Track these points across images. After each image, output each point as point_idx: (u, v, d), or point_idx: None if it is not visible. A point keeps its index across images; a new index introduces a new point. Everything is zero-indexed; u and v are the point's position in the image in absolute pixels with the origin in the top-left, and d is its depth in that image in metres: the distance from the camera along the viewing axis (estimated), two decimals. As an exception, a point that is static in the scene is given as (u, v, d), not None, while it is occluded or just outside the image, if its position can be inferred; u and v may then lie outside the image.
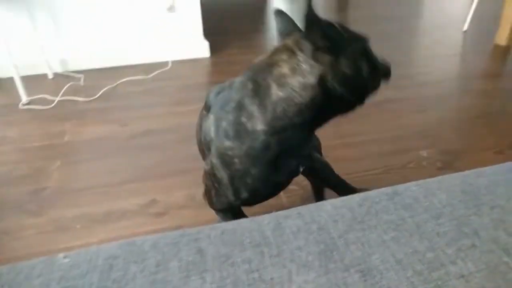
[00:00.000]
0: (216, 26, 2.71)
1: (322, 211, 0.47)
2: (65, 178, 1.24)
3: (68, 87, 1.80)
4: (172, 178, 1.21)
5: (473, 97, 1.68)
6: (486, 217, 0.45)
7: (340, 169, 1.22)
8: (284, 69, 0.59)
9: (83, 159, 1.35)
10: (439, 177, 0.54)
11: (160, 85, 1.85)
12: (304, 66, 0.58)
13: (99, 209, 1.10)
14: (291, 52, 0.59)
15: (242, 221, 0.47)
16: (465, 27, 2.53)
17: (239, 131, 0.62)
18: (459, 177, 0.53)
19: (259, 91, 0.61)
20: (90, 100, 1.71)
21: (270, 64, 0.61)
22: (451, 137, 1.40)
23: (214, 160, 0.67)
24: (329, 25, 0.58)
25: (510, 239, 0.41)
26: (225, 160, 0.65)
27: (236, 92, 0.65)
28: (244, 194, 0.69)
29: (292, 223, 0.45)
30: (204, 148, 0.77)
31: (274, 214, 0.48)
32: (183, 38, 2.13)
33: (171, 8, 2.04)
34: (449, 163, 1.25)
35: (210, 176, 0.71)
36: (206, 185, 0.77)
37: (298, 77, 0.58)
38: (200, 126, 0.79)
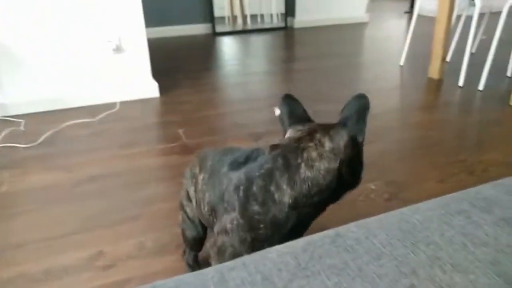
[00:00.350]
0: (165, 66, 2.73)
1: (267, 260, 0.47)
2: (1, 234, 1.14)
3: (7, 133, 1.70)
4: (120, 227, 1.16)
5: (413, 129, 1.78)
6: (422, 255, 0.46)
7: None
8: (313, 154, 0.68)
9: (22, 211, 1.26)
10: (379, 216, 0.55)
11: (107, 127, 1.80)
12: (330, 155, 0.68)
13: (39, 267, 1.02)
14: (318, 141, 0.69)
15: (185, 276, 0.46)
16: (402, 62, 2.72)
17: (267, 199, 0.68)
18: (397, 215, 0.55)
19: (289, 168, 0.68)
20: (32, 146, 1.63)
21: (300, 148, 0.68)
22: (396, 168, 1.46)
23: (241, 220, 0.70)
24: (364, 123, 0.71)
25: (446, 277, 0.43)
26: (252, 223, 0.69)
27: (266, 162, 0.70)
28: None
29: (236, 275, 0.44)
30: (210, 207, 0.78)
31: (218, 266, 0.47)
32: (131, 79, 2.11)
33: (117, 49, 2.02)
34: (395, 194, 1.30)
35: (233, 234, 0.71)
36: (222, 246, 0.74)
37: (324, 162, 0.68)
38: (205, 185, 0.80)
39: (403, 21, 4.42)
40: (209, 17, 3.73)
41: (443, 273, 0.43)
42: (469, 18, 2.94)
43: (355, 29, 4.01)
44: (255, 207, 0.68)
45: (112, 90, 2.07)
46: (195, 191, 0.84)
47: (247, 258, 0.47)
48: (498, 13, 2.11)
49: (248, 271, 0.45)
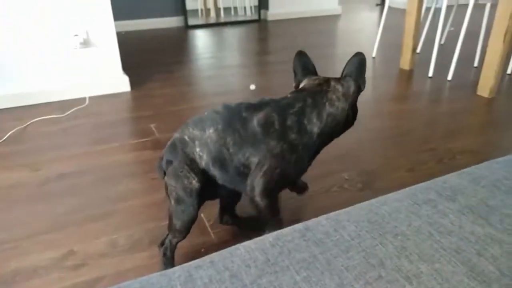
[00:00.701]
0: (137, 60, 2.66)
1: (235, 257, 0.46)
2: (-36, 237, 1.10)
3: (-32, 131, 1.63)
4: (91, 225, 1.13)
5: (385, 119, 1.81)
6: (390, 246, 0.47)
7: (267, 199, 1.23)
8: (333, 96, 0.90)
9: (-14, 212, 1.21)
10: (349, 208, 0.55)
11: (77, 123, 1.75)
12: (342, 98, 0.91)
13: (6, 269, 0.98)
14: (334, 87, 0.91)
15: (151, 277, 0.44)
16: (374, 53, 2.76)
17: (300, 130, 0.87)
18: (366, 207, 0.55)
19: (317, 105, 0.89)
20: (-4, 145, 1.56)
21: (323, 91, 0.91)
22: (368, 158, 1.48)
23: (284, 145, 0.86)
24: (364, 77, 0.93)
25: (412, 266, 0.43)
26: (293, 146, 0.87)
27: (297, 101, 0.89)
28: (301, 171, 0.95)
29: (204, 274, 0.43)
30: (237, 147, 0.88)
31: (185, 265, 0.46)
32: (101, 73, 2.05)
33: (85, 43, 1.96)
34: (368, 184, 1.32)
35: (279, 157, 0.87)
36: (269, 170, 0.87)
37: (341, 102, 0.91)
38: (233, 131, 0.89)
39: (375, 13, 4.47)
40: (182, 10, 3.66)
41: (410, 263, 0.44)
42: (438, 10, 3.00)
43: (328, 21, 4.03)
44: (293, 136, 0.87)
45: (81, 85, 2.01)
46: (204, 148, 0.88)
47: (215, 256, 0.47)
48: (465, 6, 2.16)
49: (216, 269, 0.44)
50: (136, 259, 1.01)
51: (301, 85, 0.97)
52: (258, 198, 0.88)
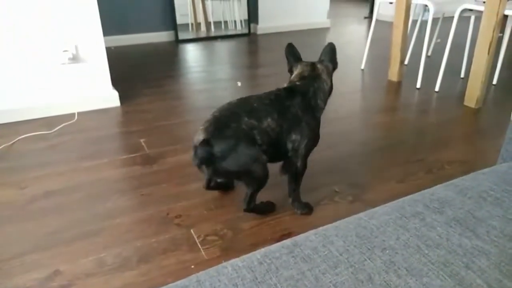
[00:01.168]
0: (127, 75, 2.66)
1: (222, 275, 0.45)
2: None
3: (-46, 149, 1.60)
4: (78, 243, 1.10)
5: (374, 130, 1.82)
6: (378, 260, 0.46)
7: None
8: (324, 77, 1.22)
9: (-30, 232, 1.18)
10: (337, 223, 0.55)
11: (65, 139, 1.73)
12: (328, 77, 1.24)
13: (-11, 291, 0.96)
14: (321, 70, 1.23)
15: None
16: (362, 65, 2.79)
17: (317, 107, 1.21)
18: (355, 221, 0.55)
19: (320, 87, 1.21)
20: (-18, 163, 1.53)
21: (317, 75, 1.22)
22: (358, 170, 1.48)
23: (314, 122, 1.20)
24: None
25: (400, 281, 0.43)
26: (317, 121, 1.22)
27: (310, 86, 1.20)
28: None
29: (190, 294, 0.43)
30: (288, 128, 1.15)
31: (172, 285, 0.45)
32: (90, 89, 2.04)
33: (74, 58, 1.95)
34: (359, 196, 1.32)
35: (315, 127, 1.21)
36: None
37: (328, 80, 1.24)
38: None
39: (363, 26, 4.54)
40: (172, 24, 3.68)
41: (398, 278, 0.43)
42: (424, 23, 3.06)
43: (317, 34, 4.08)
44: (316, 113, 1.20)
45: (69, 101, 2.00)
46: (264, 136, 1.09)
47: (202, 275, 0.46)
48: (451, 18, 2.21)
49: (202, 288, 0.43)
50: (125, 278, 0.99)
51: (295, 69, 1.26)
52: (301, 163, 1.19)
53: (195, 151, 1.05)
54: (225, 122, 1.07)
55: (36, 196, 1.33)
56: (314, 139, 1.21)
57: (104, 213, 1.24)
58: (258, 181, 1.13)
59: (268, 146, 1.10)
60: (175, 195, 1.33)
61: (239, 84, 2.40)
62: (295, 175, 1.21)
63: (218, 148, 1.03)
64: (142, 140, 1.71)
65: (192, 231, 1.15)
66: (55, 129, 1.82)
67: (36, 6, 1.80)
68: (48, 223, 1.19)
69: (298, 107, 1.15)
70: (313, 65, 1.23)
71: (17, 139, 1.72)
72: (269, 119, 1.10)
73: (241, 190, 1.34)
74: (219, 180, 1.31)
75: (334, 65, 1.26)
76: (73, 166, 1.51)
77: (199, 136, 1.08)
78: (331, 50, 1.26)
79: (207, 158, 1.03)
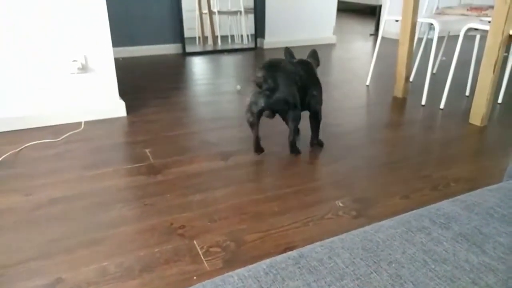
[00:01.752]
0: (134, 85, 2.69)
1: (228, 284, 0.45)
2: (-50, 263, 1.07)
3: (-39, 155, 1.61)
4: (81, 251, 1.10)
5: (379, 146, 1.82)
6: (384, 274, 0.46)
7: (263, 226, 1.22)
8: (313, 65, 1.76)
9: (-26, 237, 1.18)
10: (343, 235, 0.55)
11: (71, 148, 1.74)
12: (315, 66, 1.79)
13: (-9, 297, 0.95)
14: (312, 62, 1.77)
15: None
16: (368, 81, 2.80)
17: (315, 74, 1.74)
18: (361, 234, 0.54)
19: (313, 69, 1.75)
20: (-12, 169, 1.55)
21: (310, 63, 1.76)
22: (363, 185, 1.48)
23: (320, 83, 1.75)
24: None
25: (407, 295, 0.43)
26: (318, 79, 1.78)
27: (309, 61, 1.77)
28: None
29: (195, 302, 0.42)
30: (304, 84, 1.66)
31: (176, 293, 0.45)
32: (97, 98, 2.06)
33: (83, 68, 1.98)
34: (363, 211, 1.31)
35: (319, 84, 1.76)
36: None
37: (315, 68, 1.76)
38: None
39: (369, 43, 4.58)
40: (179, 37, 3.73)
41: (405, 292, 0.43)
42: (429, 41, 3.08)
43: (323, 50, 4.11)
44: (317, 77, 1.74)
45: (77, 110, 2.02)
46: (299, 79, 1.62)
47: (207, 283, 0.46)
48: (456, 37, 2.22)
49: (207, 297, 0.43)
50: (127, 287, 0.98)
51: None
52: (320, 110, 1.73)
53: (262, 88, 1.52)
54: (276, 65, 1.56)
55: (40, 203, 1.33)
56: (322, 96, 1.76)
57: (107, 221, 1.24)
58: (297, 116, 1.60)
59: (299, 89, 1.59)
60: (179, 205, 1.33)
61: (238, 87, 2.62)
62: (319, 122, 1.74)
63: (273, 82, 1.51)
64: (147, 150, 1.72)
65: (195, 242, 1.15)
66: (62, 137, 1.84)
67: (48, 17, 1.83)
68: (52, 231, 1.19)
69: (313, 69, 1.74)
70: (304, 60, 1.76)
71: (24, 146, 1.74)
72: (300, 69, 1.64)
73: (242, 206, 1.35)
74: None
75: (318, 63, 1.82)
76: (78, 174, 1.52)
77: (259, 74, 1.51)
78: (314, 53, 1.83)
79: (268, 89, 1.50)
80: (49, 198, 1.36)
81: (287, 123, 1.63)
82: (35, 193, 1.39)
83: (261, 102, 1.51)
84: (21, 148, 1.72)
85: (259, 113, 1.55)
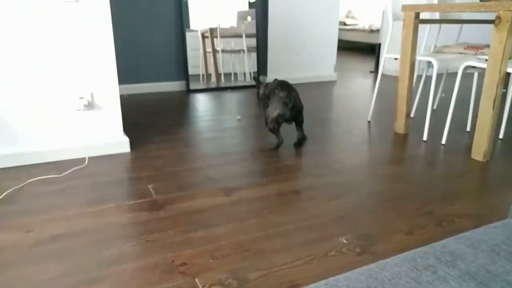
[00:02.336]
0: (138, 121, 2.73)
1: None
2: None
3: (-36, 191, 1.62)
4: (80, 290, 1.08)
5: (382, 182, 1.82)
6: (391, 314, 0.45)
7: (265, 263, 1.20)
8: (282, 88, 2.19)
9: (-27, 275, 1.16)
10: (348, 273, 0.54)
11: (74, 183, 1.75)
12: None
13: (-14, 338, 0.93)
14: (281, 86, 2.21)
15: None
16: (369, 117, 2.84)
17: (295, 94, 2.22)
18: (365, 272, 0.54)
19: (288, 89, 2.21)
20: (-10, 205, 1.54)
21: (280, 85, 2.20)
22: (366, 221, 1.46)
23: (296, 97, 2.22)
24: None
25: (414, 336, 0.42)
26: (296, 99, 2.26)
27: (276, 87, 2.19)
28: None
29: None
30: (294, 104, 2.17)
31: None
32: (102, 135, 2.09)
33: (89, 105, 2.02)
34: (367, 248, 1.29)
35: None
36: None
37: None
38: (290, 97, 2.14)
39: (369, 80, 4.67)
40: (184, 75, 3.82)
41: (412, 333, 0.42)
42: (429, 78, 3.14)
43: (324, 87, 4.19)
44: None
45: (81, 146, 2.04)
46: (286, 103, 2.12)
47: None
48: (455, 74, 2.27)
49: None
50: (126, 328, 0.95)
51: (262, 88, 2.39)
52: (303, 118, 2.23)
53: (285, 105, 2.12)
54: (288, 85, 2.18)
55: (41, 240, 1.32)
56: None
57: (108, 259, 1.23)
58: (303, 119, 2.22)
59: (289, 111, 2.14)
60: (181, 242, 1.31)
61: (239, 118, 2.83)
62: (302, 124, 2.25)
63: (293, 98, 2.13)
64: (150, 186, 1.72)
65: (196, 280, 1.12)
66: (65, 173, 1.85)
67: (57, 55, 1.90)
68: (52, 268, 1.18)
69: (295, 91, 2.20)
70: (284, 80, 2.26)
71: (27, 182, 1.74)
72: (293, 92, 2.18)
73: (245, 242, 1.34)
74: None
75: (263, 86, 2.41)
76: (80, 210, 1.52)
77: (281, 94, 2.13)
78: (257, 81, 2.51)
79: (291, 104, 2.11)
80: (50, 234, 1.35)
81: (297, 125, 2.23)
82: (36, 229, 1.38)
83: (287, 114, 2.11)
84: (24, 184, 1.73)
85: (283, 122, 2.16)
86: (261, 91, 2.39)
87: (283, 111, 2.09)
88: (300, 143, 2.26)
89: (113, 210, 1.53)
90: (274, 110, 2.11)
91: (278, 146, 2.22)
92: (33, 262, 1.21)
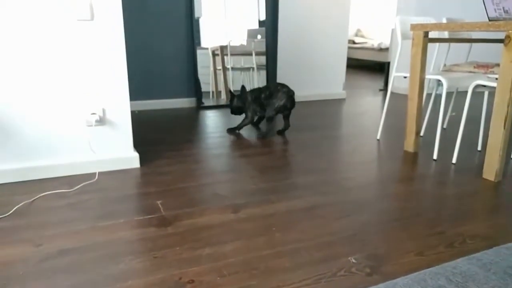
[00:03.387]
0: (148, 137, 2.76)
1: None
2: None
3: (-23, 204, 1.64)
4: (87, 306, 1.08)
5: (391, 201, 1.80)
6: (400, 336, 0.44)
7: (273, 282, 1.19)
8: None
9: (-18, 288, 1.17)
10: (356, 293, 0.54)
11: (84, 198, 1.76)
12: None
13: None
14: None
15: None
16: (378, 136, 2.83)
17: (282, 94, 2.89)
18: (374, 292, 0.53)
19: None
20: (1, 218, 1.56)
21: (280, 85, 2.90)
22: (376, 241, 1.45)
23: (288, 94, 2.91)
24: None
25: None
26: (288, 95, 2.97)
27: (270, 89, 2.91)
28: None
29: None
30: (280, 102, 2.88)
31: None
32: (112, 150, 2.11)
33: (100, 121, 2.05)
34: (376, 268, 1.27)
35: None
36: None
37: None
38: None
39: (378, 98, 4.67)
40: (194, 91, 3.87)
41: None
42: (438, 97, 3.13)
43: (334, 104, 4.20)
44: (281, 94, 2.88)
45: (92, 161, 2.06)
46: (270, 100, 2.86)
47: None
48: (465, 93, 2.27)
49: None
50: None
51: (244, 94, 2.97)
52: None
53: (290, 97, 2.83)
54: (285, 85, 2.87)
55: (50, 254, 1.33)
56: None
57: (116, 274, 1.22)
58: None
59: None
60: (189, 259, 1.31)
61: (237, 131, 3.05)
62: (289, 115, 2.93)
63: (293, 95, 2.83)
64: (159, 202, 1.73)
65: (204, 298, 1.11)
66: (76, 187, 1.86)
67: (70, 71, 1.94)
68: (58, 283, 1.18)
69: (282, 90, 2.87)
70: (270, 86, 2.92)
71: (38, 196, 1.76)
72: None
73: (252, 260, 1.33)
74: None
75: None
76: (89, 225, 1.52)
77: (285, 88, 2.84)
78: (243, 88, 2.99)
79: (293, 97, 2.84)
80: (59, 249, 1.36)
81: (286, 117, 2.92)
82: (46, 244, 1.39)
83: (288, 105, 2.84)
84: (35, 198, 1.75)
85: (282, 112, 2.87)
86: (237, 101, 2.97)
87: (287, 102, 2.80)
88: (284, 130, 2.93)
89: (122, 225, 1.53)
90: (280, 101, 2.79)
91: (266, 133, 2.91)
92: (41, 277, 1.21)
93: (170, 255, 1.33)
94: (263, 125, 3.15)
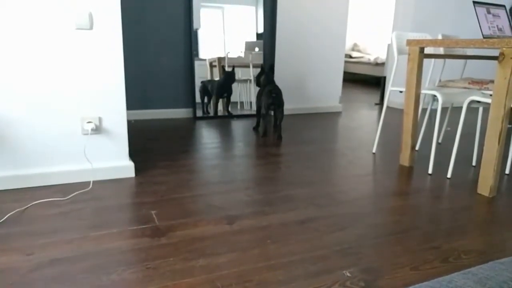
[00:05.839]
0: (144, 147, 2.75)
1: None
2: None
3: (-32, 211, 1.62)
4: (78, 317, 1.06)
5: (386, 215, 1.80)
6: None
7: (265, 295, 1.17)
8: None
9: (-30, 298, 1.15)
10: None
11: (78, 207, 1.74)
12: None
13: None
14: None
15: None
16: (374, 149, 2.84)
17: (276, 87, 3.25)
18: (369, 306, 0.52)
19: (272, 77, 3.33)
20: (-8, 226, 1.54)
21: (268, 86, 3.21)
22: (370, 254, 1.44)
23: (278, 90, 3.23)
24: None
25: None
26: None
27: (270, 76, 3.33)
28: None
29: None
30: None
31: None
32: (107, 159, 2.10)
33: (96, 129, 2.04)
34: (371, 282, 1.26)
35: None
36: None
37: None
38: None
39: (374, 111, 4.70)
40: (191, 102, 3.88)
41: None
42: (434, 111, 3.16)
43: (329, 118, 4.22)
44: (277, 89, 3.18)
45: (86, 169, 2.05)
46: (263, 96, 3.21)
47: None
48: (460, 108, 2.29)
49: None
50: None
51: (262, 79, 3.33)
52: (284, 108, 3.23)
53: (272, 96, 3.09)
54: (275, 87, 3.17)
55: (41, 263, 1.31)
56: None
57: (107, 285, 1.21)
58: (283, 116, 3.19)
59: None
60: (181, 270, 1.29)
61: (239, 145, 3.12)
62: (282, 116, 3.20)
63: (276, 93, 3.11)
64: (153, 212, 1.71)
65: (196, 310, 1.10)
66: (69, 196, 1.85)
67: (67, 79, 1.94)
68: (50, 293, 1.16)
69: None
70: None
71: (30, 204, 1.74)
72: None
73: (246, 273, 1.32)
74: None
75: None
76: (82, 235, 1.51)
77: (270, 88, 3.13)
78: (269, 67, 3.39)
79: (276, 94, 3.11)
80: (50, 258, 1.34)
81: (280, 114, 3.18)
82: (37, 253, 1.37)
83: (271, 101, 3.09)
84: (27, 206, 1.73)
85: (271, 109, 3.15)
86: (263, 79, 3.31)
87: (270, 99, 3.09)
88: (276, 122, 3.28)
89: (115, 235, 1.51)
90: (266, 100, 3.10)
91: (264, 132, 3.23)
92: (31, 287, 1.19)
93: (163, 266, 1.31)
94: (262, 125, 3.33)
